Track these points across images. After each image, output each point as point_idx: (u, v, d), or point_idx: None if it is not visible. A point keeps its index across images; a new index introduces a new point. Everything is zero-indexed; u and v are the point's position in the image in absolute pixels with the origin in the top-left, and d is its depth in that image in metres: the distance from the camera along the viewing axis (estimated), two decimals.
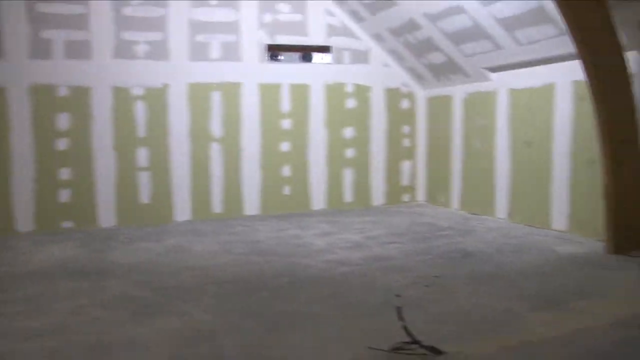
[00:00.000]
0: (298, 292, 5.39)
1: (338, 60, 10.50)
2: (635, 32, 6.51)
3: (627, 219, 6.57)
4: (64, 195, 9.07)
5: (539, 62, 8.04)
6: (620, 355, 3.84)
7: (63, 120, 9.04)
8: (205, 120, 9.70)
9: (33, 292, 5.71)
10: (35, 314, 5.02)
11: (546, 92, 8.07)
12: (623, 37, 6.31)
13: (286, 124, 10.22)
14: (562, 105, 7.80)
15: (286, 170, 10.21)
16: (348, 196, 10.68)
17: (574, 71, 6.88)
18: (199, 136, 9.66)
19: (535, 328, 4.31)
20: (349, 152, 10.64)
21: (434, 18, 8.78)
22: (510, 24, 7.70)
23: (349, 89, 10.61)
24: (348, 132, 10.62)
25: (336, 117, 10.50)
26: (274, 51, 10.27)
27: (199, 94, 9.64)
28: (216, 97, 9.76)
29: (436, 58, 9.81)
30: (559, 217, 7.89)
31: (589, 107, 6.66)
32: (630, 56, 6.49)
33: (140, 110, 9.38)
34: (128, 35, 9.26)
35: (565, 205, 7.79)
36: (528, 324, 4.39)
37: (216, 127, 9.76)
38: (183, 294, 5.42)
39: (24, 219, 8.93)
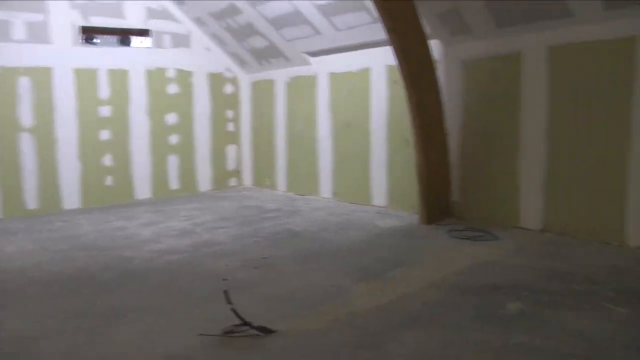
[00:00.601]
0: (125, 285, 5.13)
1: (158, 45, 10.12)
2: (436, 23, 7.05)
3: (436, 192, 7.16)
4: None
5: (356, 47, 8.42)
6: (432, 314, 4.17)
7: None
8: (12, 108, 8.80)
9: None
10: None
11: (363, 75, 8.48)
12: (427, 27, 6.83)
13: (105, 111, 9.64)
14: (378, 88, 8.26)
15: (107, 160, 9.65)
16: (174, 183, 10.40)
17: (388, 56, 7.28)
18: (5, 125, 8.74)
19: (359, 299, 4.52)
20: (173, 139, 10.35)
21: (254, 3, 8.80)
22: (328, 10, 7.95)
23: (171, 74, 10.29)
24: (171, 118, 10.31)
25: (158, 103, 10.14)
26: (89, 34, 9.61)
27: (4, 79, 8.70)
28: (24, 83, 8.89)
29: (258, 42, 9.86)
30: (379, 194, 8.38)
31: (402, 90, 7.10)
32: (433, 44, 7.04)
33: None
34: None
35: (384, 182, 8.29)
36: (352, 297, 4.60)
37: (26, 116, 8.91)
38: None
39: None
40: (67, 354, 3.70)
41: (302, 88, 9.79)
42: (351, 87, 8.74)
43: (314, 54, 9.32)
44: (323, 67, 9.27)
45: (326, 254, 5.93)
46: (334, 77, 9.07)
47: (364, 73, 8.46)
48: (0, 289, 5.19)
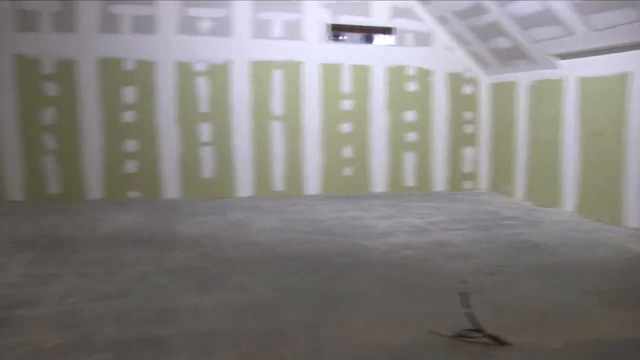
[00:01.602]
0: (360, 272, 5.38)
1: (400, 42, 10.34)
2: None
3: None
4: (130, 166, 9.30)
5: (614, 50, 7.70)
6: None
7: (129, 94, 9.22)
8: (266, 98, 9.72)
9: (102, 256, 5.93)
10: (105, 277, 5.20)
11: (620, 81, 7.73)
12: None
13: (347, 104, 10.15)
14: (638, 95, 7.45)
15: (347, 152, 10.17)
16: (409, 180, 10.56)
17: None
18: (260, 114, 9.71)
19: (606, 326, 4.15)
20: (410, 136, 10.50)
21: (502, 2, 8.51)
22: (585, 9, 7.38)
23: (411, 72, 10.44)
24: (409, 115, 10.47)
25: (397, 99, 10.38)
26: (336, 31, 10.20)
27: (260, 72, 9.66)
28: (277, 76, 9.75)
29: (502, 43, 9.53)
30: (634, 214, 7.50)
31: None
32: None
33: (202, 86, 9.48)
34: (192, 12, 9.35)
35: None
36: (597, 321, 4.23)
37: (277, 106, 9.77)
38: (245, 268, 5.49)
39: (93, 187, 9.24)
40: (305, 327, 4.02)
41: (546, 92, 9.24)
42: (604, 93, 8.02)
43: (563, 56, 8.74)
44: (572, 71, 8.64)
45: (566, 271, 5.55)
46: (585, 81, 8.39)
47: (621, 78, 7.70)
48: (250, 257, 5.89)
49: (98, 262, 5.70)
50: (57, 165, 9.18)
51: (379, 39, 10.49)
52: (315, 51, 9.92)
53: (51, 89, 9.07)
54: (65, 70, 9.06)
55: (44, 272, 5.37)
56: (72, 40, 9.04)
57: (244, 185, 9.70)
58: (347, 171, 10.19)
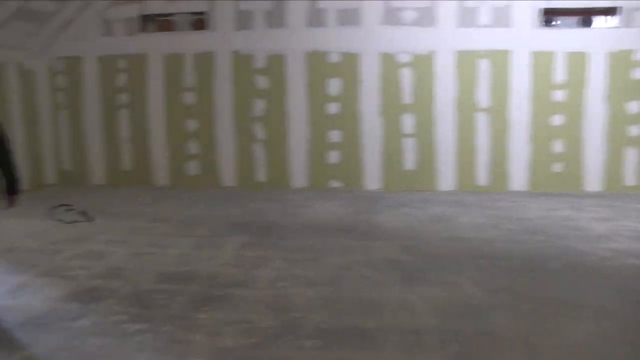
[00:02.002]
0: (575, 279, 4.92)
1: (627, 24, 9.28)
2: None
3: None
4: (333, 157, 9.56)
5: None
6: None
7: (334, 85, 9.46)
8: (471, 89, 9.37)
9: (308, 243, 6.14)
10: (312, 264, 5.35)
11: None
12: None
13: (559, 95, 9.41)
14: None
15: (557, 146, 9.44)
16: (629, 179, 9.48)
17: None
18: (465, 105, 9.39)
19: None
20: (633, 130, 9.42)
21: None
22: None
23: (639, 56, 9.33)
24: (633, 106, 9.39)
25: (619, 89, 9.35)
26: (549, 15, 9.46)
27: (465, 62, 9.33)
28: (483, 66, 9.34)
29: None
30: None
31: None
32: None
33: (406, 77, 9.40)
34: (396, 3, 9.30)
35: None
36: None
37: (483, 97, 9.37)
38: (450, 264, 5.32)
39: (298, 176, 9.68)
40: (520, 335, 3.75)
41: None
42: None
43: None
44: None
45: None
46: None
47: None
48: (455, 253, 5.72)
49: (304, 249, 5.91)
50: (266, 153, 9.77)
51: (598, 21, 9.55)
52: (524, 38, 9.33)
53: (262, 81, 9.64)
54: (275, 64, 9.59)
55: (255, 255, 5.69)
56: (282, 36, 9.54)
57: (446, 178, 9.47)
58: (557, 167, 9.46)
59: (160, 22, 10.06)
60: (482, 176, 9.43)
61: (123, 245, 6.22)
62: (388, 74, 9.41)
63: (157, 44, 10.03)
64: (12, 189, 4.30)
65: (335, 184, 9.63)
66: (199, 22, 9.88)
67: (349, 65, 9.45)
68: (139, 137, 10.30)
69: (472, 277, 4.94)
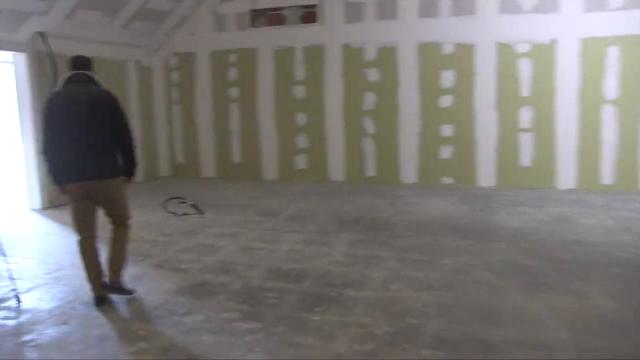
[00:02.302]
0: None
1: None
2: None
3: None
4: (445, 152, 9.24)
5: None
6: None
7: (447, 78, 9.12)
8: (597, 79, 8.66)
9: (421, 242, 5.94)
10: (426, 265, 5.15)
11: None
12: None
13: None
14: None
15: None
16: None
17: None
18: (589, 97, 8.70)
19: None
20: None
21: None
22: None
23: None
24: None
25: None
26: None
27: (593, 50, 8.61)
28: (613, 53, 8.59)
29: None
30: None
31: None
32: None
33: (524, 68, 8.88)
34: None
35: None
36: None
37: (610, 87, 8.63)
38: (577, 270, 4.95)
39: (408, 171, 9.46)
40: None
41: None
42: None
43: None
44: None
45: None
46: None
47: None
48: (582, 259, 5.31)
49: (417, 249, 5.72)
50: (375, 148, 9.61)
51: None
52: None
53: (372, 74, 9.48)
54: (386, 56, 9.40)
55: (367, 254, 5.57)
56: (393, 27, 9.32)
57: (566, 176, 8.86)
58: None
59: (270, 16, 10.13)
60: (607, 174, 8.70)
61: (233, 239, 6.31)
62: (505, 65, 8.92)
63: (267, 38, 10.13)
64: (129, 171, 4.54)
65: (446, 180, 9.30)
66: (309, 15, 9.85)
67: (463, 56, 9.07)
68: (249, 130, 10.46)
69: (603, 287, 4.54)
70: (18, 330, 4.06)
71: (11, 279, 4.85)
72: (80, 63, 4.42)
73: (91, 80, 4.42)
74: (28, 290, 4.86)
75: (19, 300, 4.59)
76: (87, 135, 4.25)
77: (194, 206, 7.77)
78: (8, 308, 4.49)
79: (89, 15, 8.50)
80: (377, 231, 6.47)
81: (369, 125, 9.62)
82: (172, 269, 5.30)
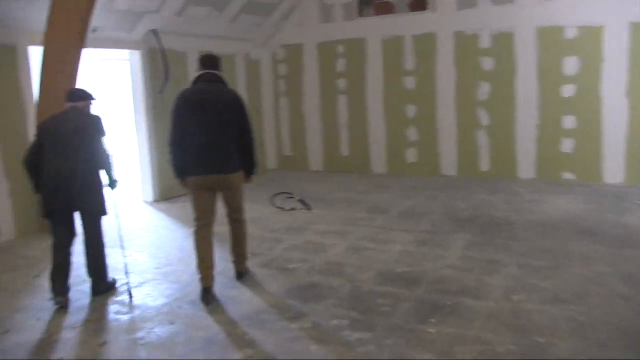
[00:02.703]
0: None
1: None
2: None
3: None
4: (567, 145, 8.58)
5: None
6: None
7: (570, 64, 8.44)
8: None
9: (545, 246, 5.52)
10: (552, 273, 4.75)
11: None
12: None
13: None
14: None
15: None
16: None
17: None
18: None
19: None
20: None
21: None
22: None
23: None
24: None
25: None
26: None
27: None
28: None
29: None
30: None
31: None
32: None
33: None
34: None
35: None
36: None
37: None
38: None
39: (525, 165, 8.90)
40: None
41: None
42: None
43: None
44: None
45: None
46: None
47: None
48: None
49: (541, 253, 5.30)
50: (490, 141, 9.12)
51: None
52: None
53: (487, 63, 8.97)
54: (503, 44, 8.86)
55: (484, 258, 5.23)
56: (510, 11, 8.75)
57: None
58: None
59: (378, 5, 9.85)
60: None
61: (341, 238, 6.15)
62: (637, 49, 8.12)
63: (376, 27, 9.86)
64: (249, 169, 4.77)
65: (568, 176, 8.63)
66: (419, 2, 9.47)
67: (589, 40, 8.33)
68: (357, 123, 10.27)
69: None
70: (130, 327, 4.13)
71: (126, 273, 4.99)
72: (210, 63, 4.65)
73: (221, 80, 4.63)
74: (139, 285, 4.97)
75: (131, 296, 4.70)
76: (215, 133, 4.45)
77: (301, 201, 7.69)
78: (121, 302, 4.60)
79: (198, 11, 8.62)
80: (494, 232, 6.08)
81: (484, 117, 9.12)
82: (279, 269, 5.22)
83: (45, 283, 5.11)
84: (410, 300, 4.30)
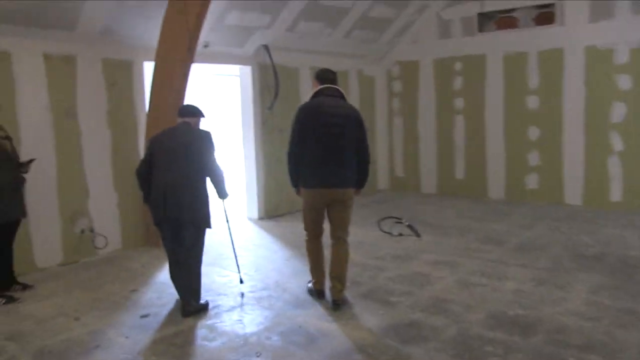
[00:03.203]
0: None
1: None
2: None
3: None
4: None
5: None
6: None
7: None
8: None
9: None
10: None
11: None
12: None
13: None
14: None
15: None
16: None
17: None
18: None
19: None
20: None
21: None
22: None
23: None
24: None
25: None
26: None
27: None
28: None
29: None
30: None
31: None
32: None
33: None
34: None
35: None
36: None
37: None
38: None
39: None
40: None
41: None
42: None
43: None
44: None
45: None
46: None
47: None
48: None
49: None
50: (623, 168, 8.21)
51: None
52: None
53: (624, 81, 8.09)
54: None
55: (615, 306, 4.55)
56: None
57: None
58: None
59: (500, 20, 9.24)
60: None
61: (450, 270, 5.67)
62: None
63: (497, 43, 9.26)
64: (360, 183, 4.82)
65: None
66: (545, 15, 8.77)
67: None
68: (474, 144, 9.68)
69: None
70: (215, 355, 3.94)
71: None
72: (329, 78, 4.75)
73: (341, 95, 4.74)
74: (230, 310, 4.80)
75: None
76: (335, 147, 4.56)
77: (410, 227, 7.26)
78: (209, 327, 4.42)
79: (310, 27, 8.47)
80: (628, 274, 5.32)
81: (617, 142, 8.21)
82: (379, 301, 4.85)
83: (140, 297, 5.11)
84: (524, 351, 3.77)
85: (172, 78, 6.37)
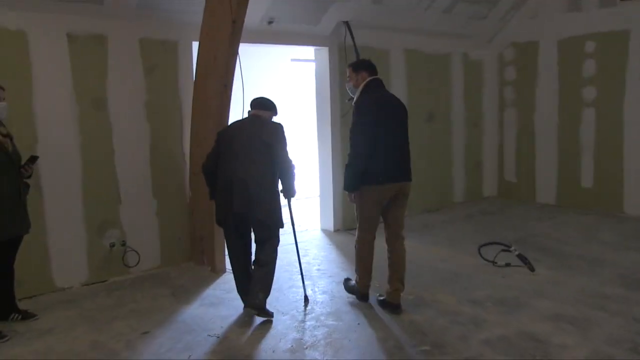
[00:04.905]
0: None
1: None
2: None
3: None
4: None
5: None
6: None
7: None
8: None
9: None
10: None
11: None
12: None
13: None
14: None
15: None
16: None
17: None
18: None
19: None
20: None
21: None
22: None
23: None
24: None
25: None
26: None
27: None
28: None
29: None
30: None
31: None
32: None
33: None
34: None
35: None
36: None
37: None
38: None
39: None
40: None
41: None
42: None
43: None
44: None
45: None
46: None
47: None
48: None
49: None
50: None
51: None
52: None
53: None
54: None
55: None
56: None
57: None
58: None
59: None
60: None
61: (580, 333, 3.99)
62: None
63: None
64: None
65: None
66: None
67: None
68: (607, 145, 7.81)
69: None
70: None
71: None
72: (375, 68, 4.63)
73: (384, 86, 4.68)
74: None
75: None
76: (400, 139, 4.54)
77: (520, 257, 5.61)
78: None
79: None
80: None
81: None
82: None
83: (149, 344, 4.03)
84: None
85: (215, 60, 5.21)
